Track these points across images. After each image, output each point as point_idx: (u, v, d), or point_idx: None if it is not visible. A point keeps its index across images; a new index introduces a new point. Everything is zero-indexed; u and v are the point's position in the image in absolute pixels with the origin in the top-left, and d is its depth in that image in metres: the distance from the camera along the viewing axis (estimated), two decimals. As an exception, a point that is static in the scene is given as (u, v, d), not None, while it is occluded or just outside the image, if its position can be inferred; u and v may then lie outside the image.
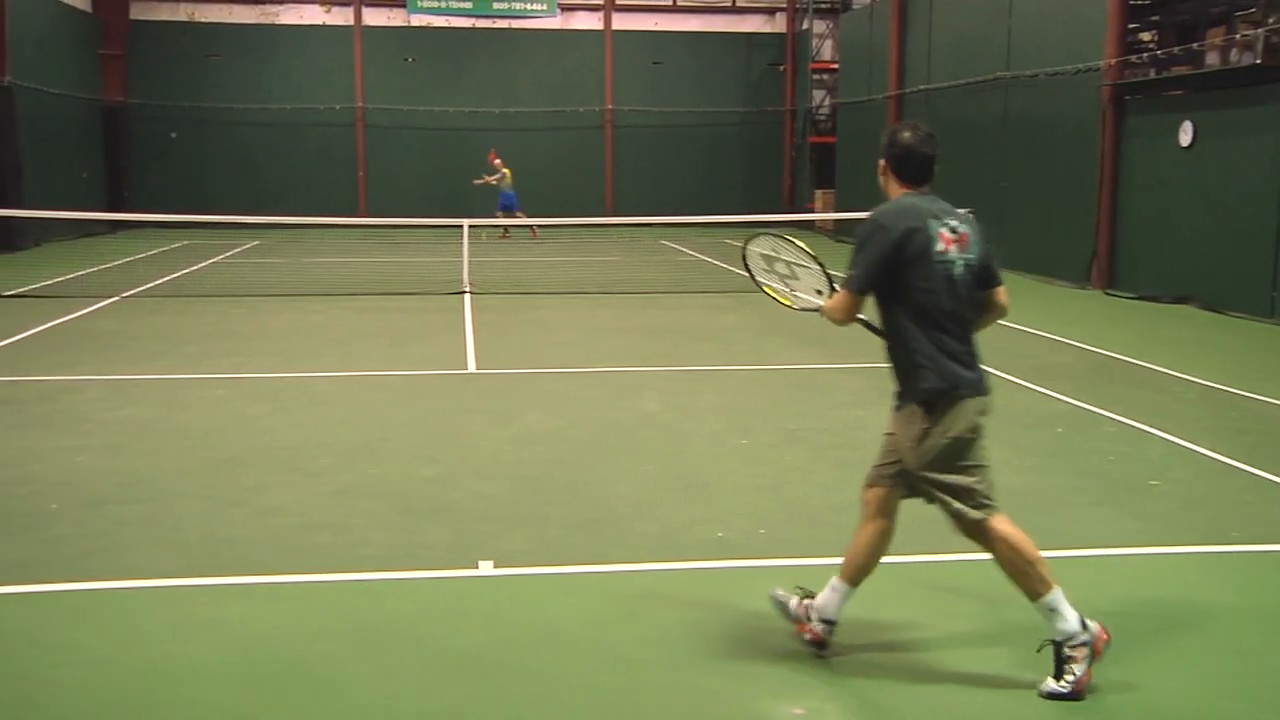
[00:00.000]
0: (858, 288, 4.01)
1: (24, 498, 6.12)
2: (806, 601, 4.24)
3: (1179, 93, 15.61)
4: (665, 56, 31.25)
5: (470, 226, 16.84)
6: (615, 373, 10.01)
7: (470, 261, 16.24)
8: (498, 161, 25.21)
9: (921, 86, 22.81)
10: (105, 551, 5.36)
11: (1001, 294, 4.18)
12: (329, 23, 30.20)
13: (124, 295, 14.96)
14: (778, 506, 6.11)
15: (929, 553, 5.26)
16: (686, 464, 6.96)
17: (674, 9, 31.42)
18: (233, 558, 5.28)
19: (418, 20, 30.12)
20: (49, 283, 16.25)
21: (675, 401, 8.68)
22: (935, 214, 3.99)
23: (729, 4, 31.56)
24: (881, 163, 4.11)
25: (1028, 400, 8.72)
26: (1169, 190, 15.17)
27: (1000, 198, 19.09)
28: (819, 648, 4.18)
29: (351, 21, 30.12)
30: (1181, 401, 8.86)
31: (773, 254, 4.62)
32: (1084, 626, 3.91)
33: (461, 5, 29.46)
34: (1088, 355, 10.97)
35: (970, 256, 4.01)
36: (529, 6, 29.61)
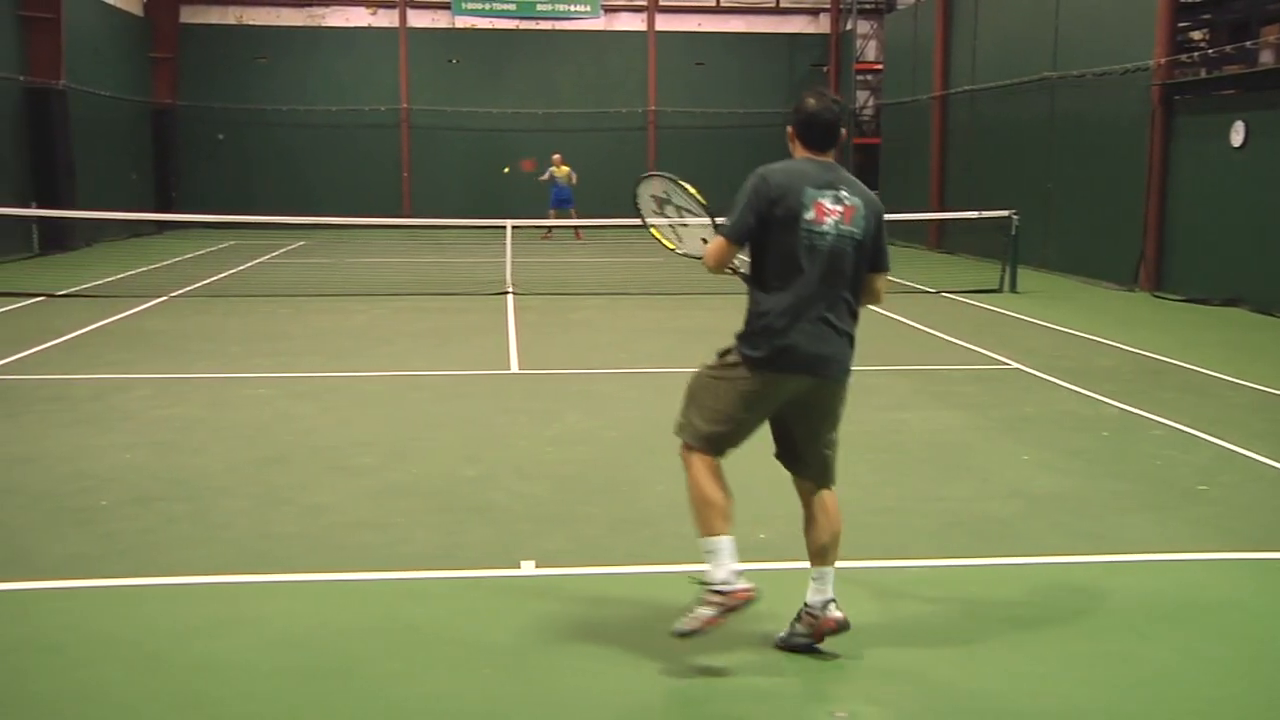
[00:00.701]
0: (731, 234, 4.04)
1: (75, 494, 6.23)
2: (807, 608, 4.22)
3: (1231, 92, 15.37)
4: (708, 58, 31.22)
5: (514, 227, 16.91)
6: (657, 374, 10.00)
7: (513, 262, 16.31)
8: (560, 162, 25.40)
9: (966, 87, 22.62)
10: (153, 547, 5.44)
11: (879, 281, 4.19)
12: (374, 25, 30.48)
13: (172, 295, 15.17)
14: (819, 509, 6.06)
15: (969, 556, 5.25)
16: (727, 465, 6.88)
17: (717, 10, 31.39)
18: (278, 555, 5.34)
19: (462, 22, 30.31)
20: (99, 282, 16.51)
21: (717, 403, 8.65)
22: (824, 182, 4.02)
23: (772, 5, 31.49)
24: (789, 129, 4.16)
25: (1073, 403, 8.60)
26: (1220, 191, 14.95)
27: (1046, 199, 18.89)
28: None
29: (397, 24, 30.38)
30: (1231, 405, 8.73)
31: (664, 196, 4.61)
32: (731, 581, 3.95)
33: (505, 7, 29.61)
34: (1134, 358, 10.83)
35: (854, 230, 4.01)
36: (572, 8, 29.70)
